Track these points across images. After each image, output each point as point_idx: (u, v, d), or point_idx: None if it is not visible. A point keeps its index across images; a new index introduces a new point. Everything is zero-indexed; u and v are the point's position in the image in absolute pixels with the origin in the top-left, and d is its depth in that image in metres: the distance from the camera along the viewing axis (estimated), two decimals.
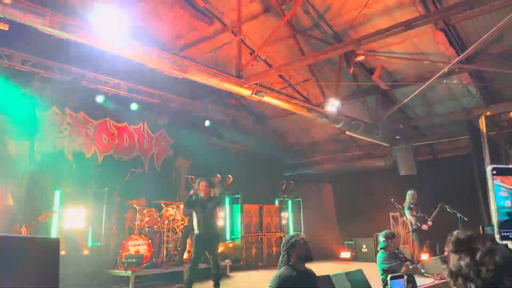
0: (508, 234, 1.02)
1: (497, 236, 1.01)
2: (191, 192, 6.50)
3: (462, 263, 0.96)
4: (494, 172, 1.07)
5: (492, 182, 1.05)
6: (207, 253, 6.50)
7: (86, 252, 7.56)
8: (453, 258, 1.00)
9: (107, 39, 5.50)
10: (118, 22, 5.29)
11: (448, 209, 8.51)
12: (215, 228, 6.51)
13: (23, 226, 4.95)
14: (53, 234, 7.15)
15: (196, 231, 6.38)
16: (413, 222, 8.44)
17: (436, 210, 8.52)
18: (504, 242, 1.02)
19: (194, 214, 6.44)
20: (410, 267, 4.60)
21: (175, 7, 7.58)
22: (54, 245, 2.05)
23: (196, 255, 6.32)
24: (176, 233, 8.57)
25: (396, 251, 4.88)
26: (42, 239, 2.23)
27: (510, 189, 1.07)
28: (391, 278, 3.03)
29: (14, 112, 7.42)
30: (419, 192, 8.74)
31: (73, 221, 7.72)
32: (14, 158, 7.38)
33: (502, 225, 1.03)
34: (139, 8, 8.08)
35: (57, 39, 5.54)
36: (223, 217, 10.81)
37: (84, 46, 5.74)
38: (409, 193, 8.66)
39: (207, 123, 10.59)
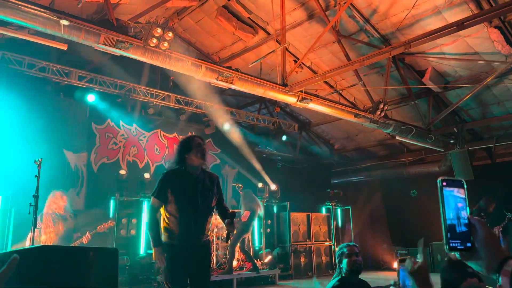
0: (456, 245, 1.02)
1: (445, 247, 1.01)
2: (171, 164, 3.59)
3: None
4: (444, 183, 1.05)
5: (443, 193, 1.04)
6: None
7: (139, 259, 7.83)
8: None
9: (156, 54, 5.72)
10: (167, 37, 5.50)
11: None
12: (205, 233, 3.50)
13: (85, 234, 5.22)
14: (110, 242, 7.48)
15: (168, 239, 3.38)
16: None
17: (504, 223, 7.82)
18: (453, 252, 1.02)
19: (170, 206, 3.39)
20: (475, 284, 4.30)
21: (220, 20, 7.75)
22: (113, 255, 2.16)
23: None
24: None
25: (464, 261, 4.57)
26: (101, 250, 2.35)
27: (464, 198, 1.05)
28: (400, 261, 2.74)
29: (73, 126, 7.89)
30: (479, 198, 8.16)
31: (126, 229, 8.04)
32: (73, 169, 7.83)
33: (454, 236, 1.02)
34: (186, 22, 8.36)
35: (110, 55, 5.85)
36: (271, 225, 10.81)
37: (135, 61, 6.02)
38: (484, 202, 7.83)
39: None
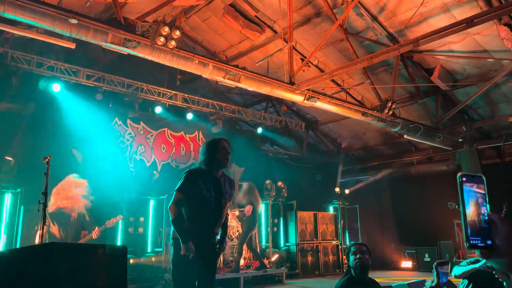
0: (477, 242, 0.98)
1: (466, 245, 0.98)
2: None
3: None
4: (464, 179, 1.01)
5: (462, 189, 1.01)
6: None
7: (147, 257, 7.86)
8: None
9: (164, 53, 5.73)
10: (174, 36, 5.51)
11: None
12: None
13: (92, 231, 5.23)
14: (118, 239, 7.53)
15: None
16: None
17: (504, 210, 7.84)
18: (473, 250, 0.99)
19: (192, 204, 3.33)
20: None
21: (227, 19, 7.74)
22: (122, 252, 2.16)
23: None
24: (232, 239, 8.66)
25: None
26: (110, 247, 2.35)
27: (484, 194, 1.02)
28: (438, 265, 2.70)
29: (81, 125, 7.92)
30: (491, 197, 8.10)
31: (134, 227, 8.07)
32: (81, 167, 7.87)
33: (475, 233, 0.99)
34: (193, 20, 8.36)
35: (118, 54, 5.88)
36: (277, 224, 10.79)
37: (142, 59, 6.04)
38: None
39: (259, 130, 10.66)
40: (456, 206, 8.36)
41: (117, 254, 2.15)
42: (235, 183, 10.28)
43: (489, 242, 0.99)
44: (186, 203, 3.27)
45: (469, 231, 0.98)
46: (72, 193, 5.20)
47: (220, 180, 3.44)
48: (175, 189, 3.30)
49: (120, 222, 6.68)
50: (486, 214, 1.01)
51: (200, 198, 3.27)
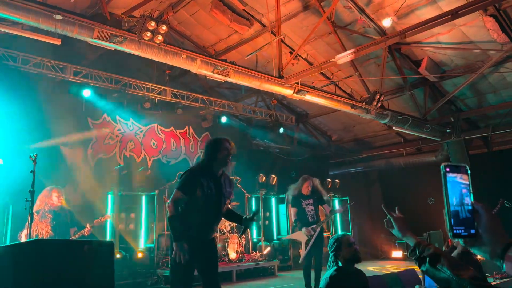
0: (460, 231, 1.00)
1: (449, 234, 1.00)
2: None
3: None
4: (448, 169, 1.03)
5: (446, 179, 1.02)
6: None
7: (139, 253, 7.85)
8: None
9: (151, 48, 5.70)
10: (161, 31, 5.48)
11: (507, 205, 7.99)
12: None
13: (85, 227, 5.22)
14: (108, 237, 7.50)
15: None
16: None
17: (497, 206, 7.97)
18: (456, 239, 1.02)
19: (192, 202, 3.49)
20: None
21: (215, 13, 7.70)
22: (108, 248, 2.17)
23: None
24: (224, 233, 8.69)
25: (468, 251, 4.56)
26: (97, 242, 2.36)
27: (468, 184, 1.04)
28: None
29: (69, 121, 7.85)
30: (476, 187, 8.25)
31: (125, 223, 8.06)
32: (70, 165, 7.82)
33: (458, 222, 1.01)
34: (180, 15, 8.31)
35: (104, 50, 5.83)
36: (269, 217, 10.85)
37: (130, 55, 5.99)
38: None
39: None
40: (434, 200, 8.45)
41: (104, 249, 2.16)
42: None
43: (472, 231, 1.00)
44: (186, 201, 3.34)
45: (452, 220, 0.99)
46: (54, 200, 5.16)
47: (220, 178, 3.52)
48: (176, 187, 3.38)
49: (108, 220, 6.66)
50: (469, 204, 1.02)
51: (201, 196, 3.34)
